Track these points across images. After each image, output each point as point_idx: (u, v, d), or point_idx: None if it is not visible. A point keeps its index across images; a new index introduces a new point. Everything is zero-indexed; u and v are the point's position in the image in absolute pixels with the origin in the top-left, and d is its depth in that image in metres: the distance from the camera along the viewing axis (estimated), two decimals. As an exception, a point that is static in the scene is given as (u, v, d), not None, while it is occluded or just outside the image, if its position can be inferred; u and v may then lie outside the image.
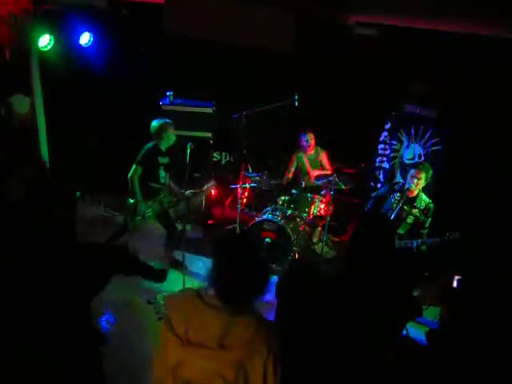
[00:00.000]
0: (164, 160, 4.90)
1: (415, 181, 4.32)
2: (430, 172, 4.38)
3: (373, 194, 5.15)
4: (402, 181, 4.50)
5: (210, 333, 1.77)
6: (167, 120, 4.88)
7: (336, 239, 6.21)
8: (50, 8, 5.26)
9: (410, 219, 4.41)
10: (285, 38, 2.73)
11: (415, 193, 4.41)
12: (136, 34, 6.37)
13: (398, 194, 4.48)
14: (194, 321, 1.80)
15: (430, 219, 4.37)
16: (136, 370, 3.53)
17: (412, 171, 4.37)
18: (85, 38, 5.68)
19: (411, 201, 4.43)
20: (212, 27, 3.05)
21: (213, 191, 6.60)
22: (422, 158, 5.63)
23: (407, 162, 5.78)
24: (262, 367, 1.77)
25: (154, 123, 4.82)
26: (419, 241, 4.20)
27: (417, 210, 4.39)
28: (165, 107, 6.36)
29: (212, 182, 5.12)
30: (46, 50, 5.22)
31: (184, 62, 6.63)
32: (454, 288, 3.87)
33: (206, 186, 5.05)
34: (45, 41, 5.14)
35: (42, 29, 5.07)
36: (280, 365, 1.81)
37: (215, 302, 1.81)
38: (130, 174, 4.77)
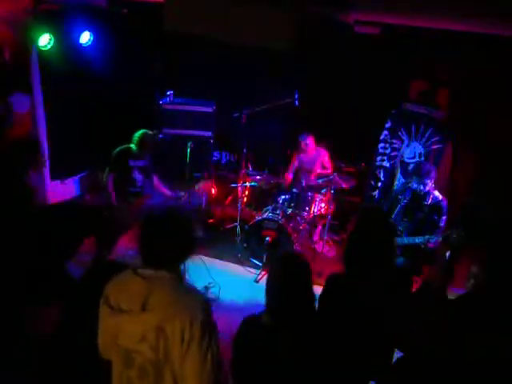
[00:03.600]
0: (137, 163, 4.88)
1: (422, 186, 4.31)
2: (424, 167, 4.33)
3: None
4: (411, 181, 4.47)
5: (135, 298, 1.86)
6: (148, 132, 4.89)
7: (336, 238, 6.22)
8: (50, 7, 5.25)
9: (420, 215, 4.38)
10: (285, 37, 2.72)
11: (424, 191, 4.35)
12: (136, 34, 6.36)
13: (410, 194, 4.48)
14: (123, 289, 1.92)
15: (443, 217, 4.29)
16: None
17: (414, 179, 4.34)
18: (85, 38, 5.68)
19: (421, 197, 4.39)
20: (212, 27, 3.05)
21: (213, 190, 6.62)
22: (423, 157, 5.62)
23: (408, 160, 5.78)
24: (180, 332, 1.80)
25: (137, 134, 4.86)
26: (426, 237, 4.15)
27: (426, 206, 4.36)
28: (165, 107, 6.36)
29: (203, 181, 5.10)
30: (45, 49, 5.21)
31: (184, 61, 6.63)
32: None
33: (197, 186, 5.03)
34: (45, 40, 5.14)
35: (41, 28, 5.06)
36: (207, 335, 1.84)
37: (143, 271, 1.93)
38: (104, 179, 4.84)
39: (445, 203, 4.32)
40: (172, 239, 1.95)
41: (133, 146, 4.84)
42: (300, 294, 2.13)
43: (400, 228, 4.46)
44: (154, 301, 1.85)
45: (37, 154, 3.96)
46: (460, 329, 1.90)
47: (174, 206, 2.11)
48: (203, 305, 1.89)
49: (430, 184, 4.31)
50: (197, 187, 5.07)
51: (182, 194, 4.95)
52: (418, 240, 4.18)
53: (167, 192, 5.03)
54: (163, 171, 5.29)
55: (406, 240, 4.29)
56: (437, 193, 4.37)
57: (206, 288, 4.81)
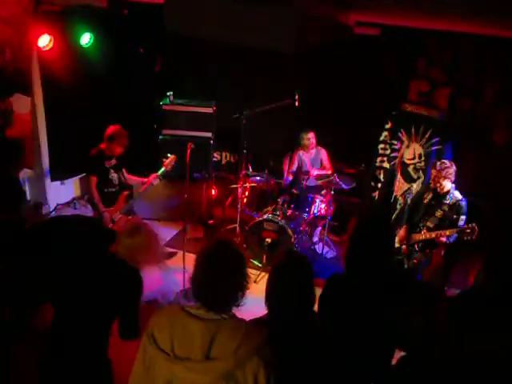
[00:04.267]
0: (111, 162, 4.86)
1: (438, 184, 4.39)
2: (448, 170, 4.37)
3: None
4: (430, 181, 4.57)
5: (195, 344, 1.74)
6: (119, 130, 4.83)
7: (337, 239, 6.21)
8: (51, 8, 5.25)
9: (438, 213, 4.44)
10: (285, 37, 2.73)
11: (445, 189, 4.41)
12: (136, 34, 6.36)
13: (430, 192, 4.57)
14: (179, 334, 1.78)
15: (463, 217, 4.33)
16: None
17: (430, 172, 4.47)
18: (85, 38, 5.68)
19: (441, 196, 4.45)
20: (212, 27, 3.05)
21: (213, 191, 6.62)
22: (422, 157, 5.62)
23: (407, 161, 5.77)
24: (253, 377, 1.73)
25: (109, 128, 4.80)
26: (440, 232, 4.27)
27: (446, 205, 4.40)
28: (165, 107, 6.36)
29: (171, 156, 5.01)
30: (46, 49, 5.21)
31: (184, 61, 6.63)
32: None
33: (166, 161, 4.97)
34: (45, 41, 5.14)
35: (41, 28, 5.06)
36: (272, 371, 1.77)
37: (198, 312, 1.81)
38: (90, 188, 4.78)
39: (465, 203, 4.37)
40: (237, 280, 1.86)
41: (104, 146, 4.80)
42: (301, 294, 2.13)
43: (420, 225, 4.54)
44: (219, 347, 1.73)
45: (20, 153, 3.95)
46: (462, 328, 1.89)
47: (228, 240, 1.98)
48: (265, 340, 1.80)
49: (449, 183, 4.38)
50: (166, 161, 4.96)
51: (156, 177, 4.89)
52: (433, 235, 4.31)
53: (142, 180, 5.02)
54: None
55: (422, 235, 4.43)
56: (457, 193, 4.43)
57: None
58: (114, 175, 4.91)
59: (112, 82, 6.36)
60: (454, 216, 4.36)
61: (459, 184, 4.54)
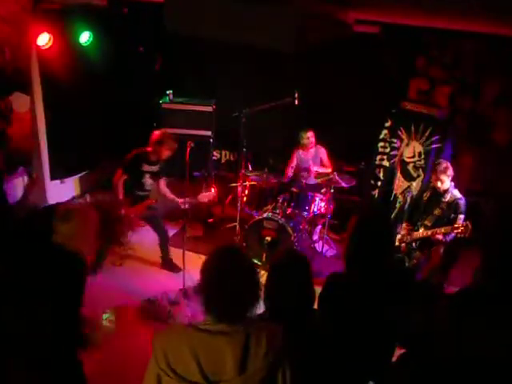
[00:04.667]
0: (151, 168, 4.85)
1: (439, 183, 4.40)
2: (448, 169, 4.38)
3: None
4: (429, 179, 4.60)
5: (228, 362, 1.65)
6: (168, 136, 4.82)
7: (336, 237, 6.22)
8: (50, 7, 5.24)
9: (436, 211, 4.45)
10: (285, 36, 2.72)
11: (444, 188, 4.42)
12: (136, 33, 6.36)
13: (429, 191, 4.59)
14: (206, 356, 1.65)
15: (462, 216, 4.33)
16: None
17: (433, 177, 4.46)
18: (85, 37, 5.68)
19: (440, 195, 4.46)
20: (212, 26, 3.04)
21: (212, 190, 6.62)
22: (422, 155, 5.63)
23: (407, 160, 5.78)
24: (281, 375, 1.73)
25: (157, 132, 4.79)
26: (436, 230, 4.30)
27: (444, 203, 4.42)
28: (165, 106, 6.36)
29: (210, 192, 5.06)
30: (45, 48, 5.21)
31: (184, 61, 6.63)
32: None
33: (202, 196, 4.97)
34: (44, 39, 5.14)
35: (41, 28, 5.06)
36: (290, 365, 1.78)
37: (220, 328, 1.70)
38: (114, 178, 4.77)
39: (463, 202, 4.38)
40: (252, 288, 1.78)
41: (148, 148, 4.77)
42: (300, 293, 2.13)
43: (418, 223, 4.55)
44: (251, 358, 1.67)
45: None
46: (461, 326, 1.90)
47: (239, 249, 1.94)
48: (280, 335, 1.78)
49: (448, 181, 4.38)
50: (201, 197, 4.97)
51: (190, 200, 4.89)
52: (429, 233, 4.33)
53: (173, 198, 5.01)
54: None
55: (419, 233, 4.44)
56: (456, 191, 4.44)
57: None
58: (148, 180, 4.88)
59: (112, 81, 6.36)
60: (452, 215, 4.37)
61: (459, 182, 4.55)
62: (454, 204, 4.38)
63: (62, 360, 2.46)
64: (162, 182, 5.05)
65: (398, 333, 2.35)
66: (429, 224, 4.47)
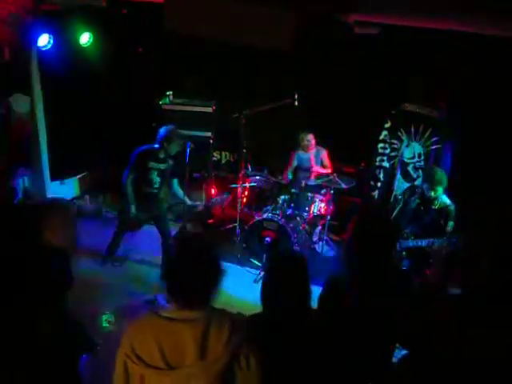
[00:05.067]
0: (159, 165, 4.82)
1: (432, 192, 4.26)
2: (444, 179, 4.29)
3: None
4: (421, 186, 4.46)
5: (188, 348, 1.70)
6: (176, 131, 4.79)
7: (336, 238, 6.21)
8: (50, 7, 5.25)
9: (426, 218, 4.34)
10: (285, 37, 2.73)
11: (435, 196, 4.28)
12: (136, 34, 6.36)
13: (417, 197, 4.44)
14: (167, 343, 1.72)
15: (451, 222, 4.23)
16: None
17: (425, 185, 4.30)
18: (84, 38, 5.68)
19: (429, 202, 4.34)
20: (212, 26, 3.05)
21: (213, 191, 6.63)
22: (422, 157, 5.63)
23: (407, 161, 5.78)
24: (246, 364, 1.75)
25: (163, 129, 4.76)
26: (431, 240, 4.12)
27: (434, 210, 4.30)
28: (165, 107, 6.36)
29: (220, 199, 5.04)
30: (45, 49, 5.21)
31: (184, 61, 6.63)
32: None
33: (212, 202, 4.97)
34: (44, 40, 5.14)
35: (41, 28, 5.06)
36: (256, 353, 1.80)
37: (181, 314, 1.76)
38: (124, 180, 4.77)
39: (453, 208, 4.25)
40: (214, 276, 1.83)
41: (156, 145, 4.75)
42: (295, 293, 2.13)
43: (407, 231, 4.43)
44: (211, 345, 1.71)
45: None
46: (463, 327, 1.90)
47: (201, 238, 2.00)
48: (245, 324, 1.83)
49: (440, 190, 4.25)
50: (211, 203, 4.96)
51: (199, 203, 4.89)
52: (423, 243, 4.17)
53: (184, 199, 5.01)
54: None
55: (411, 243, 4.29)
56: (445, 197, 4.31)
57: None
58: (155, 178, 4.85)
59: (111, 82, 6.36)
60: (442, 221, 4.25)
61: (458, 184, 4.54)
62: (444, 211, 4.26)
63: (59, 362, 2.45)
64: (175, 183, 5.03)
65: (399, 334, 2.34)
66: (419, 232, 4.34)
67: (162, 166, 4.83)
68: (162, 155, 4.78)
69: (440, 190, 4.25)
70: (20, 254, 2.46)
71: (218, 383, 1.72)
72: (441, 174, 4.25)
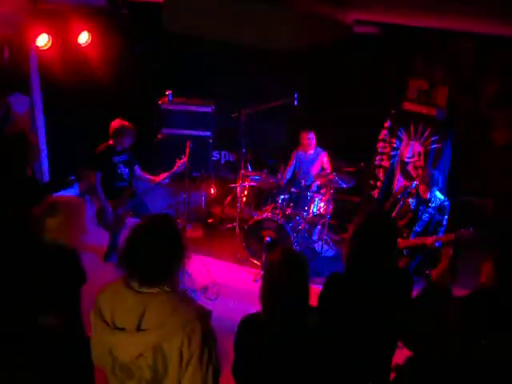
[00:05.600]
0: (121, 158, 4.92)
1: (428, 194, 4.43)
2: (439, 180, 4.43)
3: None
4: (416, 187, 4.55)
5: (129, 315, 1.80)
6: (125, 124, 4.88)
7: (336, 237, 6.22)
8: (49, 7, 5.24)
9: (425, 216, 4.47)
10: (285, 36, 2.72)
11: (429, 195, 4.44)
12: (136, 33, 6.35)
13: (415, 198, 4.55)
14: (118, 306, 1.84)
15: (446, 217, 4.42)
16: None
17: (421, 188, 4.46)
18: (83, 37, 5.67)
19: (426, 201, 4.48)
20: (212, 26, 3.04)
21: (212, 190, 6.63)
22: (422, 156, 5.63)
23: (407, 160, 5.78)
24: (178, 351, 1.76)
25: (114, 123, 4.86)
26: (427, 238, 4.25)
27: (432, 208, 4.44)
28: (164, 106, 6.36)
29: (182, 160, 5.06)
30: (44, 49, 5.20)
31: (184, 61, 6.63)
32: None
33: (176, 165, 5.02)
34: (43, 40, 5.13)
35: (41, 28, 5.05)
36: (206, 350, 1.80)
37: (134, 284, 1.84)
38: (91, 181, 4.87)
39: (447, 203, 4.42)
40: (162, 252, 1.86)
41: (111, 141, 4.87)
42: (295, 292, 2.13)
43: (407, 230, 4.52)
44: (149, 319, 1.78)
45: (28, 148, 3.92)
46: (473, 328, 1.90)
47: (157, 214, 2.05)
48: (201, 318, 1.82)
49: (435, 191, 4.44)
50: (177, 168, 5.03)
51: (166, 176, 4.96)
52: (428, 241, 4.24)
53: (152, 178, 5.07)
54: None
55: (414, 240, 4.39)
56: (438, 193, 4.46)
57: (206, 288, 4.81)
58: (123, 170, 4.97)
59: (111, 82, 6.35)
60: (438, 217, 4.43)
61: (458, 183, 4.55)
62: (440, 207, 4.44)
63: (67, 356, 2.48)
64: (137, 168, 5.12)
65: (402, 334, 2.34)
66: (419, 230, 4.47)
67: (124, 158, 4.94)
68: (119, 148, 4.89)
69: (435, 190, 4.38)
70: (29, 252, 2.48)
71: (151, 357, 1.78)
72: (436, 177, 4.43)
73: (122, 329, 1.81)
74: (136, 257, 1.85)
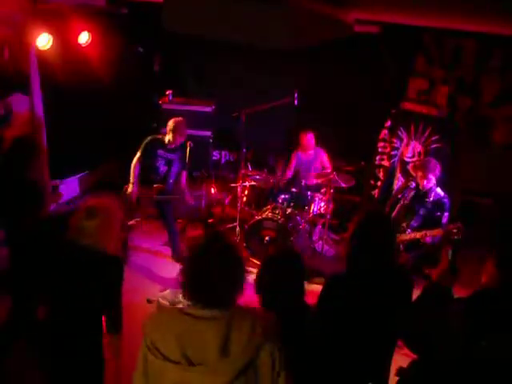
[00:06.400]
0: (166, 155, 4.93)
1: (425, 181, 4.37)
2: (436, 168, 4.36)
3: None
4: (413, 185, 4.53)
5: (210, 346, 1.69)
6: (180, 119, 4.90)
7: (336, 237, 6.22)
8: (49, 7, 5.24)
9: (422, 211, 4.41)
10: (285, 36, 2.72)
11: (427, 187, 4.39)
12: (136, 33, 6.35)
13: (413, 190, 4.53)
14: (189, 339, 1.71)
15: (446, 213, 4.33)
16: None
17: (419, 174, 4.42)
18: (84, 37, 5.67)
19: (423, 195, 4.42)
20: (211, 25, 3.04)
21: (212, 190, 6.63)
22: (422, 155, 5.63)
23: (407, 159, 5.78)
24: (271, 362, 1.74)
25: (171, 122, 4.88)
26: (425, 232, 4.19)
27: (429, 203, 4.38)
28: (164, 106, 6.36)
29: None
30: (44, 49, 5.20)
31: (183, 61, 6.63)
32: None
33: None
34: (44, 40, 5.13)
35: (41, 28, 5.05)
36: (283, 351, 1.77)
37: (204, 313, 1.74)
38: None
39: (447, 200, 4.35)
40: (236, 275, 1.80)
41: (167, 136, 4.88)
42: (290, 287, 2.15)
43: (403, 224, 4.48)
44: (233, 343, 1.69)
45: (35, 151, 3.93)
46: (475, 328, 1.89)
47: (220, 233, 1.93)
48: (271, 322, 1.79)
49: (433, 180, 4.35)
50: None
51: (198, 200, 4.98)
52: (418, 235, 4.22)
53: (186, 194, 5.06)
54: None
55: (407, 235, 4.34)
56: (439, 190, 4.40)
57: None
58: (162, 166, 4.96)
59: (111, 82, 6.35)
60: (438, 213, 4.33)
61: (458, 182, 4.55)
62: (439, 203, 4.34)
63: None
64: (183, 174, 5.10)
65: (403, 334, 2.34)
66: (415, 224, 4.41)
67: (169, 156, 4.93)
68: (170, 145, 4.89)
69: (432, 178, 4.30)
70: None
71: (241, 381, 1.71)
72: (433, 163, 4.36)
73: (200, 363, 1.69)
74: (209, 280, 1.74)
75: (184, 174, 5.09)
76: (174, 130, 4.83)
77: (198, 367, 1.68)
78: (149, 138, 4.88)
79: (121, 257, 2.60)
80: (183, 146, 5.01)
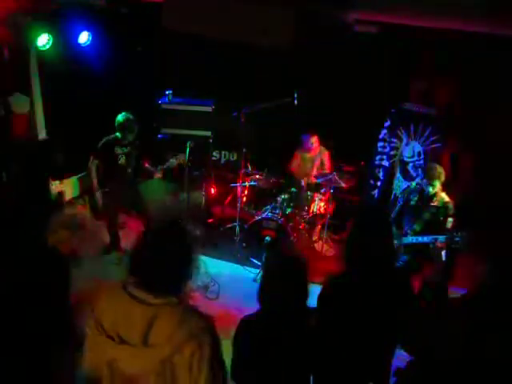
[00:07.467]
0: (123, 150, 4.99)
1: (430, 188, 4.31)
2: (442, 174, 4.30)
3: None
4: (420, 182, 4.49)
5: (135, 328, 1.70)
6: (130, 116, 4.92)
7: (336, 237, 6.21)
8: (49, 7, 5.24)
9: (426, 215, 4.34)
10: (284, 35, 2.72)
11: (433, 192, 4.33)
12: (135, 33, 6.35)
13: (417, 194, 4.46)
14: (120, 315, 1.73)
15: (451, 219, 4.24)
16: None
17: (424, 181, 4.37)
18: (83, 37, 5.67)
19: (428, 198, 4.36)
20: (211, 25, 3.05)
21: (212, 190, 6.63)
22: (422, 155, 5.63)
23: (407, 159, 5.78)
24: (189, 362, 1.69)
25: (119, 117, 4.90)
26: (434, 237, 4.09)
27: (434, 207, 4.31)
28: (164, 106, 6.35)
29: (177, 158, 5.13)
30: (44, 49, 5.20)
31: (183, 60, 6.62)
32: None
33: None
34: (43, 40, 5.13)
35: (40, 28, 5.05)
36: (215, 362, 1.73)
37: (140, 294, 1.74)
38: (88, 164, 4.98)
39: (452, 205, 4.27)
40: (176, 263, 1.78)
41: (117, 133, 4.92)
42: (293, 292, 2.14)
43: (406, 228, 4.44)
44: (157, 333, 1.69)
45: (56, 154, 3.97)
46: (475, 328, 1.89)
47: (171, 220, 1.90)
48: (209, 329, 1.75)
49: (438, 186, 4.30)
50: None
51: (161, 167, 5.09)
52: (425, 239, 4.15)
53: (150, 170, 5.15)
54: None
55: (411, 239, 4.27)
56: (443, 194, 4.34)
57: (206, 288, 4.81)
58: (124, 162, 5.01)
59: (111, 81, 6.35)
60: (441, 218, 4.27)
61: (457, 182, 4.54)
62: (443, 208, 4.28)
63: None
64: (146, 163, 5.20)
65: (401, 335, 2.34)
66: (418, 229, 4.34)
67: (126, 150, 5.00)
68: (123, 142, 4.96)
69: (437, 184, 4.28)
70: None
71: (160, 369, 1.69)
72: (439, 169, 4.29)
73: (126, 342, 1.71)
74: (149, 264, 1.76)
75: (146, 162, 5.20)
76: (124, 127, 4.89)
77: (125, 346, 1.70)
78: (102, 142, 4.95)
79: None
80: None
